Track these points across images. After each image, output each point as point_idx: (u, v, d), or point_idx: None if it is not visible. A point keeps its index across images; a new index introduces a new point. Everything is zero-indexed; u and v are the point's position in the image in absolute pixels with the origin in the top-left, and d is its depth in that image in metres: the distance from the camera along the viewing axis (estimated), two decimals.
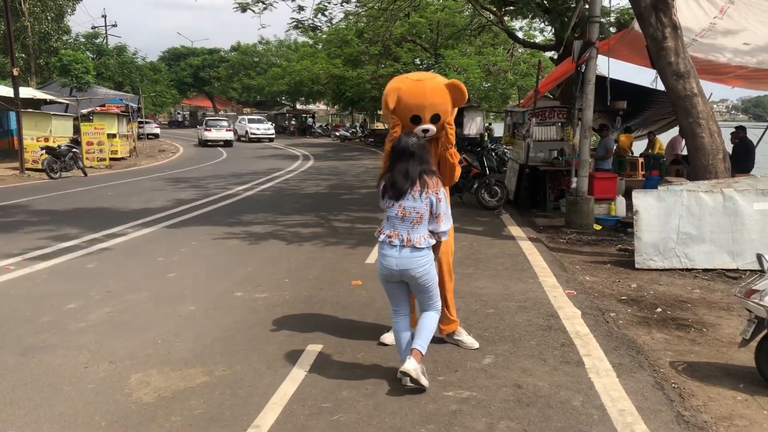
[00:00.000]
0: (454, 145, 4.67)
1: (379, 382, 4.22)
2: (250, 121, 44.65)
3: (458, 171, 4.75)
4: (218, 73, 65.59)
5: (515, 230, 10.34)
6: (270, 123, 46.02)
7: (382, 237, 4.13)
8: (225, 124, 38.47)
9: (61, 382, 4.19)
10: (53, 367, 4.43)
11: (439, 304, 4.33)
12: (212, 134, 36.98)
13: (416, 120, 4.47)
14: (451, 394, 4.04)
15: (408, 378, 3.99)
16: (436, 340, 4.93)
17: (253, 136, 42.10)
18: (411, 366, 3.98)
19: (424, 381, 4.05)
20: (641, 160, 15.45)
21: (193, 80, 68.40)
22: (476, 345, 4.90)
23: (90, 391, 4.04)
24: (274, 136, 43.04)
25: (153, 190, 15.65)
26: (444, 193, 4.16)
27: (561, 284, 6.84)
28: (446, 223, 4.18)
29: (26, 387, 4.11)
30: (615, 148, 14.22)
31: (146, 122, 40.07)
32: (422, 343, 4.13)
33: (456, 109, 4.69)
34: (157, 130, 46.02)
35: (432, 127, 4.49)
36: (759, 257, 4.46)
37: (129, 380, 4.21)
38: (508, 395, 4.04)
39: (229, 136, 37.12)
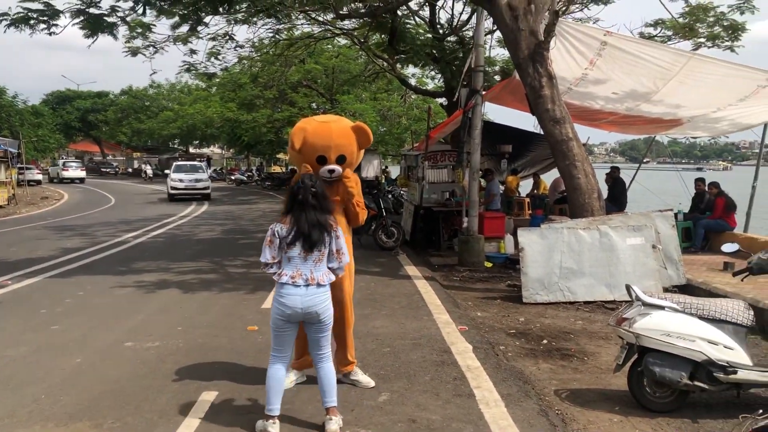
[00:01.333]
0: (356, 195, 4.74)
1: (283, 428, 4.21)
2: (176, 169, 29.65)
3: (363, 216, 4.87)
4: (106, 116, 63.37)
5: (411, 270, 10.60)
6: (207, 169, 33.32)
7: (284, 279, 4.08)
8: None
9: None
10: None
11: (330, 348, 4.35)
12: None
13: (322, 160, 4.62)
14: None
15: None
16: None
17: (175, 192, 28.10)
18: (335, 427, 4.09)
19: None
20: (528, 200, 16.30)
21: (81, 124, 65.70)
22: (372, 384, 4.99)
23: None
24: (209, 191, 28.94)
25: (36, 239, 14.82)
26: (341, 231, 4.24)
27: (454, 320, 7.08)
28: (345, 258, 4.26)
29: None
30: (503, 189, 14.93)
31: (27, 168, 37.99)
32: (333, 398, 4.20)
33: (362, 152, 4.85)
34: (39, 177, 43.69)
35: (338, 168, 4.64)
36: (627, 288, 4.85)
37: None
38: (403, 430, 4.15)
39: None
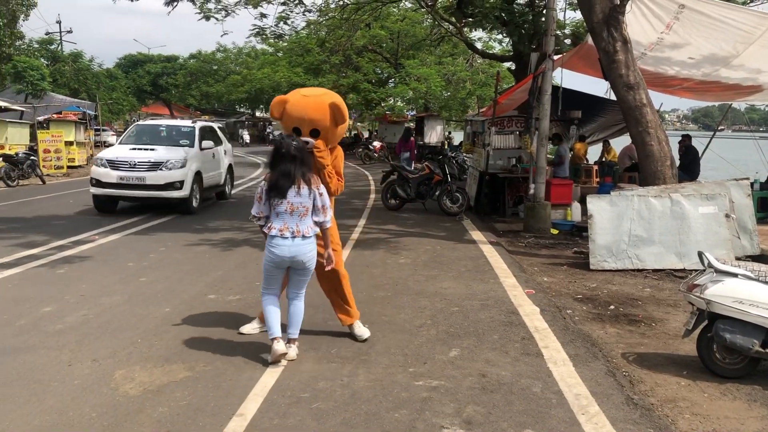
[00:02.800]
0: (327, 166, 5.02)
1: (353, 373, 4.50)
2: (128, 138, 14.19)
3: (336, 187, 5.10)
4: (176, 80, 64.95)
5: (476, 235, 10.72)
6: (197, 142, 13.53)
7: (273, 231, 4.61)
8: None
9: (47, 378, 4.34)
10: (37, 366, 4.58)
11: (305, 289, 4.93)
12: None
13: (297, 131, 4.95)
14: (421, 384, 4.33)
15: (285, 361, 4.65)
16: (400, 334, 5.24)
17: (102, 190, 12.26)
18: (294, 353, 4.73)
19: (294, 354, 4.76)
20: (596, 167, 16.05)
21: (152, 87, 67.58)
22: (366, 334, 5.26)
23: (77, 387, 4.21)
24: (184, 192, 12.27)
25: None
26: (323, 189, 4.71)
27: (520, 284, 7.21)
28: (329, 213, 4.75)
29: (14, 384, 4.26)
30: (570, 155, 14.76)
31: (103, 130, 39.51)
32: (297, 331, 4.85)
33: (342, 127, 5.07)
34: (114, 138, 45.40)
35: (311, 140, 4.93)
36: (700, 255, 4.88)
37: (113, 376, 4.39)
38: (473, 383, 4.35)
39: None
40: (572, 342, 5.24)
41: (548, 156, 12.82)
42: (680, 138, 13.14)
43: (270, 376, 4.41)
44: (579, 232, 10.61)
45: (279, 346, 4.60)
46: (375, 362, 4.71)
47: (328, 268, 4.89)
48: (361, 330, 5.30)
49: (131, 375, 4.41)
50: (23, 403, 3.97)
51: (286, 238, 4.58)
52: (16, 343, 5.05)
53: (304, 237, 4.61)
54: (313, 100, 4.98)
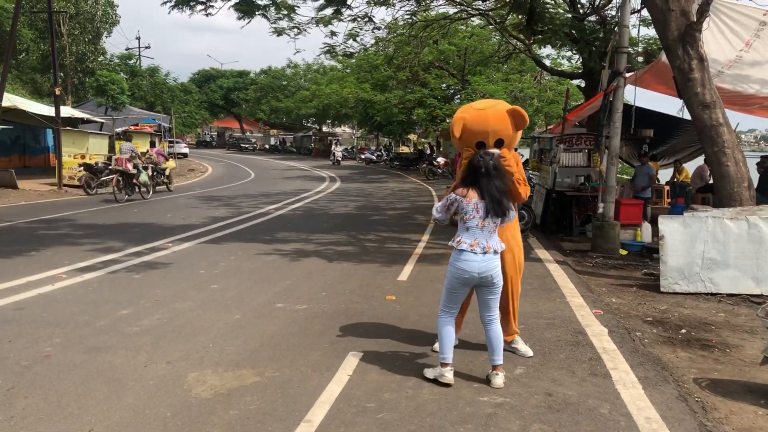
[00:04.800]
0: (516, 173, 4.95)
1: (418, 386, 4.52)
2: None
3: (526, 192, 5.05)
4: (247, 95, 66.84)
5: (542, 253, 10.58)
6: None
7: (463, 245, 4.53)
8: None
9: (125, 378, 4.55)
10: (116, 365, 4.80)
11: (498, 310, 4.78)
12: None
13: (481, 145, 4.91)
14: (486, 399, 4.32)
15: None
16: (465, 349, 5.24)
17: None
18: (500, 381, 4.56)
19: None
20: (667, 187, 15.62)
21: (224, 102, 69.72)
22: (530, 353, 5.27)
23: (152, 387, 4.39)
24: None
25: (188, 207, 16.15)
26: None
27: (588, 304, 7.09)
28: (513, 213, 4.73)
29: (94, 381, 4.48)
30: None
31: (176, 142, 40.98)
32: (500, 357, 4.65)
33: (519, 133, 5.09)
34: (186, 150, 46.89)
35: (496, 151, 4.88)
36: None
37: (186, 378, 4.56)
38: (539, 402, 4.31)
39: None
40: (642, 365, 5.11)
41: (620, 176, 12.56)
42: (759, 159, 12.65)
43: (336, 385, 4.48)
44: (649, 253, 10.34)
45: (449, 377, 4.52)
46: (467, 367, 4.73)
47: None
48: (524, 346, 5.36)
49: (203, 378, 4.57)
50: (103, 399, 4.17)
51: (477, 253, 4.51)
52: (97, 343, 5.31)
53: (495, 252, 4.56)
54: (491, 112, 4.98)
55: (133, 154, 18.00)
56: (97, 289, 7.30)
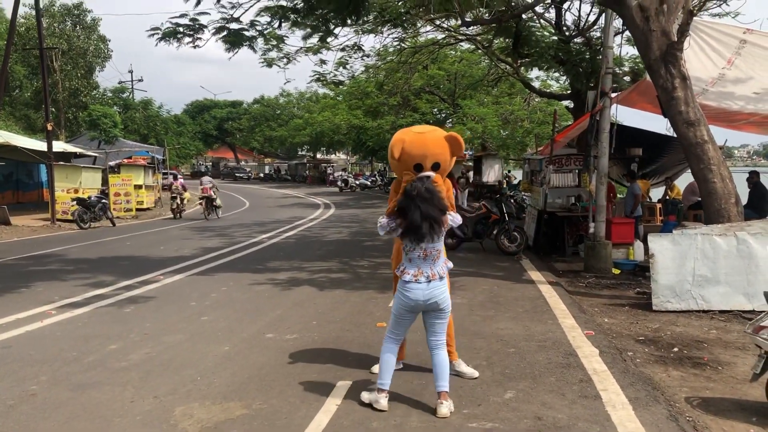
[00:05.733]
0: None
1: (407, 413, 4.49)
2: None
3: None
4: (240, 124, 67.13)
5: (535, 274, 10.57)
6: None
7: (407, 277, 4.56)
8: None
9: (111, 414, 4.50)
10: (102, 402, 4.75)
11: (445, 336, 4.81)
12: None
13: (418, 168, 5.03)
14: (476, 425, 4.29)
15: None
16: (454, 375, 5.20)
17: None
18: (446, 410, 4.47)
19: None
20: (659, 205, 15.66)
21: (218, 132, 70.01)
22: (476, 374, 5.27)
23: (138, 423, 4.35)
24: None
25: (180, 238, 16.12)
26: (452, 215, 4.77)
27: (580, 325, 7.06)
28: (456, 218, 4.79)
29: (79, 419, 4.43)
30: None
31: (170, 173, 41.03)
32: (446, 383, 4.60)
33: (453, 159, 5.21)
34: (181, 181, 46.83)
35: (432, 174, 5.01)
36: (766, 295, 4.70)
37: (173, 413, 4.51)
38: (529, 426, 4.28)
39: None
40: (632, 385, 5.08)
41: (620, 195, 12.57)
42: (747, 174, 12.72)
43: (324, 415, 4.44)
44: (642, 271, 10.34)
45: (383, 403, 4.53)
46: (429, 403, 4.68)
47: None
48: (467, 368, 5.36)
49: (190, 412, 4.53)
50: None
51: (421, 282, 4.54)
52: (84, 379, 5.26)
53: (440, 278, 4.59)
54: (430, 136, 5.11)
55: (213, 184, 23.07)
56: (86, 324, 7.26)
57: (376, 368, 5.18)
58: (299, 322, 7.23)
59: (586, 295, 8.99)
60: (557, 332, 6.78)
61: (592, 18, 16.72)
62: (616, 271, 10.69)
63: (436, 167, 5.05)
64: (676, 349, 6.28)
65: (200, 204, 23.23)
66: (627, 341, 6.58)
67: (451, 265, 4.72)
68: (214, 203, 22.99)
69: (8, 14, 24.60)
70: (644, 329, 7.11)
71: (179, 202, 23.75)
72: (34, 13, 24.37)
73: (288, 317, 7.51)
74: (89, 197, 20.49)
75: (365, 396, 4.68)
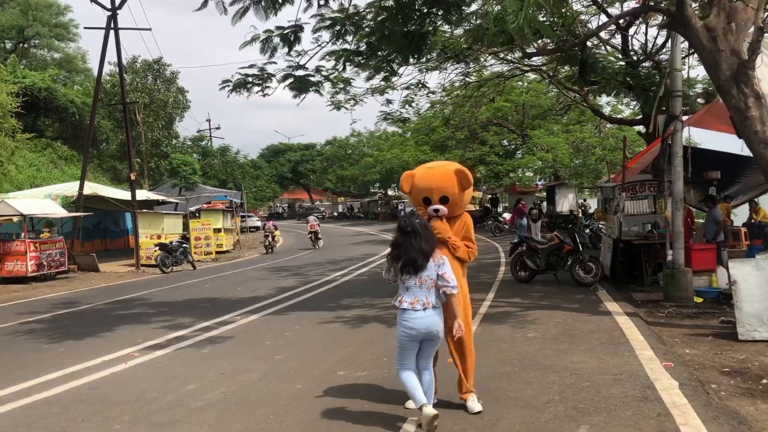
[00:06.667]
0: (449, 239, 5.29)
1: None
2: None
3: (466, 254, 5.38)
4: (314, 166, 68.73)
5: (611, 306, 10.27)
6: None
7: (404, 305, 4.83)
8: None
9: None
10: None
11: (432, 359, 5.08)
12: None
13: (427, 201, 5.27)
14: None
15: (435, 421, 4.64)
16: (526, 410, 5.11)
17: None
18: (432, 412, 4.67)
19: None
20: (744, 229, 14.97)
21: (292, 174, 71.88)
22: (478, 408, 5.22)
23: None
24: None
25: (257, 279, 16.56)
26: (446, 259, 4.91)
27: (658, 356, 6.80)
28: (453, 280, 4.86)
29: None
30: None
31: (248, 216, 42.31)
32: (431, 400, 4.91)
33: (468, 192, 5.40)
34: (258, 223, 48.20)
35: (441, 207, 5.25)
36: None
37: None
38: None
39: None
40: (715, 419, 4.85)
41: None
42: None
43: None
44: (726, 299, 9.85)
45: (429, 410, 4.66)
46: None
47: (457, 336, 4.96)
48: (473, 402, 5.32)
49: None
50: None
51: (418, 310, 4.77)
52: (163, 419, 5.47)
53: (434, 308, 4.81)
54: (438, 170, 5.37)
55: (318, 222, 29.50)
56: (167, 365, 7.54)
57: (409, 404, 5.25)
58: (369, 360, 7.27)
59: (666, 326, 8.66)
60: (634, 364, 6.55)
61: (660, 41, 16.40)
62: (699, 300, 10.26)
63: (444, 200, 5.25)
64: (765, 381, 5.95)
65: (310, 237, 28.78)
66: (710, 373, 6.29)
67: (444, 298, 4.85)
68: (318, 236, 28.47)
69: (95, 73, 26.26)
70: (729, 360, 6.78)
71: (271, 240, 27.48)
72: (118, 70, 25.96)
73: (359, 354, 7.58)
74: (171, 242, 21.37)
75: (410, 426, 4.86)
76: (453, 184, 5.27)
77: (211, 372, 7.03)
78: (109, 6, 21.97)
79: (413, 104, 20.41)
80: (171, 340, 9.00)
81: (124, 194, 24.59)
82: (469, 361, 5.39)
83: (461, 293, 5.16)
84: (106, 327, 10.32)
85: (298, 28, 11.77)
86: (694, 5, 10.67)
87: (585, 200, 35.31)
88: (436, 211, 5.24)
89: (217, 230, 27.41)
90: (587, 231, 18.95)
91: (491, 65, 21.11)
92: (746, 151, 9.29)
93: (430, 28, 12.23)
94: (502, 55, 18.36)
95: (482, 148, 33.34)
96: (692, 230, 12.41)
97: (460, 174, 5.29)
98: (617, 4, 16.31)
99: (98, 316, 11.66)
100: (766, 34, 8.90)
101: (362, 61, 13.81)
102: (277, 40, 11.66)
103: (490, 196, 44.93)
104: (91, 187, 23.06)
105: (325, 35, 12.42)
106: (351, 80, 16.25)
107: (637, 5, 14.07)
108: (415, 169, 5.54)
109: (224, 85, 12.76)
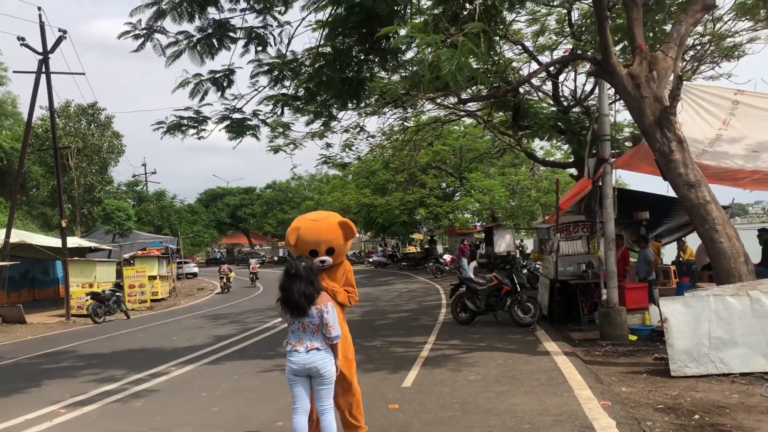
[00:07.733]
0: (331, 286, 5.39)
1: None
2: None
3: (346, 299, 5.53)
4: (253, 210, 67.96)
5: (550, 345, 10.40)
6: None
7: (289, 347, 5.00)
8: None
9: None
10: None
11: (332, 402, 5.11)
12: None
13: (314, 253, 5.37)
14: None
15: None
16: None
17: None
18: None
19: None
20: (673, 267, 15.50)
21: (231, 219, 70.85)
22: None
23: None
24: None
25: (193, 328, 16.07)
26: (331, 306, 4.96)
27: (596, 396, 6.89)
28: (335, 330, 4.92)
29: None
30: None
31: (185, 262, 41.28)
32: None
33: (350, 242, 5.61)
34: (196, 269, 47.15)
35: (328, 259, 5.40)
36: None
37: None
38: None
39: None
40: None
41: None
42: (757, 232, 12.62)
43: None
44: (659, 336, 10.09)
45: None
46: None
47: (338, 372, 5.09)
48: None
49: None
50: None
51: (300, 351, 4.91)
52: None
53: (317, 349, 4.92)
54: (324, 223, 5.50)
55: (258, 264, 34.81)
56: (96, 421, 7.17)
57: None
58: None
59: (603, 364, 8.80)
60: (573, 404, 6.61)
61: (588, 87, 17.11)
62: (633, 338, 10.49)
63: (330, 252, 5.40)
64: (697, 417, 6.09)
65: (251, 277, 33.81)
66: (645, 410, 6.39)
67: (335, 334, 4.87)
68: (257, 276, 33.87)
69: (25, 116, 25.48)
70: (663, 396, 6.92)
71: (226, 281, 30.47)
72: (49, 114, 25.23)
73: None
74: (103, 291, 20.58)
75: None
76: (339, 235, 5.44)
77: (144, 427, 6.73)
78: (40, 50, 21.45)
79: (353, 147, 20.60)
80: (101, 394, 8.58)
81: (54, 241, 23.65)
82: (352, 397, 5.50)
83: (342, 333, 5.20)
84: (31, 382, 9.78)
85: (230, 72, 11.76)
86: (618, 54, 11.21)
87: (522, 241, 36.01)
88: (323, 262, 5.36)
89: (152, 277, 26.57)
90: (525, 271, 19.28)
91: (429, 110, 21.59)
92: (671, 192, 9.72)
93: (368, 75, 12.42)
94: (438, 100, 18.81)
95: (422, 190, 33.75)
96: (626, 270, 12.76)
97: (344, 226, 5.49)
98: (547, 52, 17.01)
99: (22, 371, 11.05)
100: (685, 82, 9.41)
101: (301, 106, 13.88)
102: (208, 84, 11.59)
103: (428, 237, 45.39)
104: (19, 235, 22.08)
105: (263, 80, 12.45)
106: (291, 124, 16.34)
107: (566, 54, 14.72)
108: (298, 221, 5.59)
109: (158, 126, 12.56)
